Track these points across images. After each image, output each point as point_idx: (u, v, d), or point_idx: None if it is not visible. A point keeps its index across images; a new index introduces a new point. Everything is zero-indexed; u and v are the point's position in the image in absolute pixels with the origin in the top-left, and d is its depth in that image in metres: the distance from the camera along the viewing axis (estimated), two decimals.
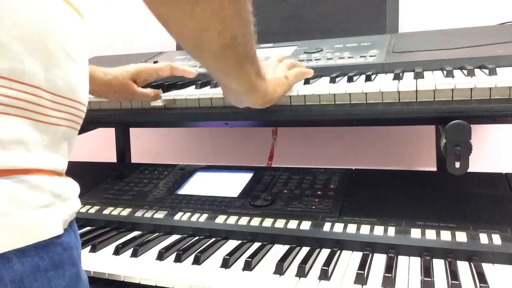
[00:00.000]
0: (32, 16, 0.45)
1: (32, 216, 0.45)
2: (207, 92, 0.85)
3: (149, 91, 0.90)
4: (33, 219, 0.45)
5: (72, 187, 0.54)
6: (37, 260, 0.45)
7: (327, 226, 0.82)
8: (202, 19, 0.52)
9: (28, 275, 0.44)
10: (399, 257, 0.75)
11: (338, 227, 0.81)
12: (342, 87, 0.76)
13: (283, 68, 0.80)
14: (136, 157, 1.43)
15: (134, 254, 0.81)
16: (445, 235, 0.75)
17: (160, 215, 0.94)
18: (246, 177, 1.04)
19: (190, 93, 0.87)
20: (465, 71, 0.74)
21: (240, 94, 0.72)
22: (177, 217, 0.92)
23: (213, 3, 0.51)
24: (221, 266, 0.75)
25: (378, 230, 0.79)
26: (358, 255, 0.75)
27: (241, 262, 0.75)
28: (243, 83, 0.67)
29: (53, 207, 0.48)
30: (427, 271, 0.68)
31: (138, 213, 0.96)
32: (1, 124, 0.43)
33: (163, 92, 0.91)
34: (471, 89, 0.69)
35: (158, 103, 0.89)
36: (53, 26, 0.48)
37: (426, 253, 0.74)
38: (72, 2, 0.51)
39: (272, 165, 1.34)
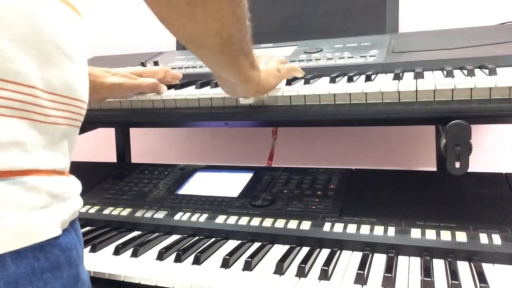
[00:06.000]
0: (23, 14, 0.44)
1: (27, 218, 0.44)
2: (207, 92, 0.85)
3: (153, 80, 0.90)
4: (28, 221, 0.44)
5: (73, 186, 0.53)
6: (32, 262, 0.45)
7: (327, 226, 0.82)
8: (201, 20, 0.56)
9: (23, 277, 0.44)
10: (399, 257, 0.74)
11: (338, 227, 0.81)
12: (342, 87, 0.76)
13: (275, 62, 0.83)
14: (136, 157, 1.43)
15: (134, 254, 0.81)
16: (445, 235, 0.75)
17: (160, 215, 0.94)
18: (246, 177, 1.04)
19: (190, 93, 0.87)
20: (465, 71, 0.74)
21: (234, 85, 0.75)
22: (177, 217, 0.92)
23: (212, 5, 0.55)
24: (221, 266, 0.75)
25: (378, 230, 0.79)
26: (358, 255, 0.75)
27: (241, 262, 0.75)
28: (238, 75, 0.71)
29: (51, 208, 0.47)
30: (427, 271, 0.68)
31: (138, 213, 0.96)
32: None
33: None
34: (471, 89, 0.69)
35: (159, 103, 0.89)
36: (47, 24, 0.47)
37: (426, 253, 0.74)
38: (68, 0, 0.50)
39: (272, 165, 1.34)
